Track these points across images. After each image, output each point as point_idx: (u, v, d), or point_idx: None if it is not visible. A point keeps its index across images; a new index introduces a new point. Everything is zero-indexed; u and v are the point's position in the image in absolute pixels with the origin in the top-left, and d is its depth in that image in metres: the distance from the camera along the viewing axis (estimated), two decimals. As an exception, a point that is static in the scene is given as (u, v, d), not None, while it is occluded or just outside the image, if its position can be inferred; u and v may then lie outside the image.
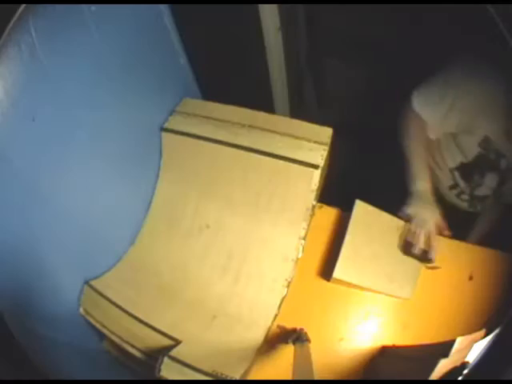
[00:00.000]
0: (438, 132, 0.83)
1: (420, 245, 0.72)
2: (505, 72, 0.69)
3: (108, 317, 0.67)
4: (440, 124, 0.80)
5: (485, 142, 0.79)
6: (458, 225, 0.81)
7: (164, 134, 0.79)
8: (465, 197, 0.92)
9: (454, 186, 0.92)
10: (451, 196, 0.94)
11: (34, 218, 0.56)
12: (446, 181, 0.93)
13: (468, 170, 0.87)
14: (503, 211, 0.89)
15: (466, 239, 0.90)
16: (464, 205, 0.93)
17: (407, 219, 0.75)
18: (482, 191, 0.88)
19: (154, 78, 0.76)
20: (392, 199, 0.81)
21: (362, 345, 0.67)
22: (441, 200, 0.95)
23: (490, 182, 0.85)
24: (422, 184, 0.80)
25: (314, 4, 1.09)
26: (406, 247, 0.71)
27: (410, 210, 0.76)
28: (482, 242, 0.80)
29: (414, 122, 0.82)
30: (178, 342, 0.62)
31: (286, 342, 0.63)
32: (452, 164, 0.89)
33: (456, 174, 0.90)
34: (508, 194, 0.87)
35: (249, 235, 0.72)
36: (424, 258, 0.70)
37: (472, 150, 0.81)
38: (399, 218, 0.74)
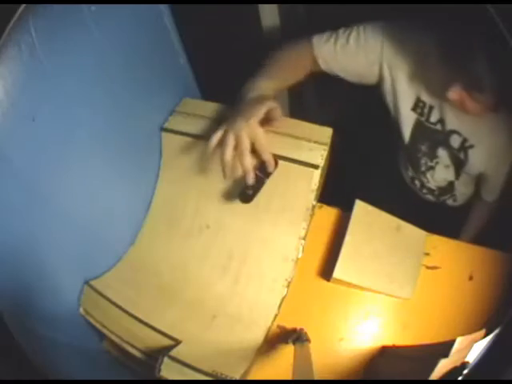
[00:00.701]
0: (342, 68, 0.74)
1: (227, 154, 0.57)
2: (437, 26, 0.61)
3: (108, 317, 0.67)
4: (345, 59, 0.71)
5: (418, 105, 0.70)
6: (448, 222, 0.78)
7: (164, 134, 0.79)
8: (417, 183, 0.85)
9: (413, 178, 0.86)
10: (417, 190, 0.88)
11: (34, 217, 0.56)
12: (405, 174, 0.87)
13: (412, 153, 0.79)
14: (496, 209, 0.84)
15: (459, 238, 0.89)
16: (433, 199, 0.87)
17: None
18: (435, 177, 0.80)
19: (153, 78, 0.76)
20: (392, 199, 0.81)
21: (362, 345, 0.67)
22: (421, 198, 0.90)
23: (444, 160, 0.76)
24: (262, 83, 0.67)
25: (314, 4, 1.09)
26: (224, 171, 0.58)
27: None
28: (477, 241, 0.79)
29: (301, 50, 0.74)
30: (177, 342, 0.62)
31: (286, 342, 0.63)
32: (401, 157, 0.84)
33: (404, 155, 0.84)
34: (485, 189, 0.79)
35: (249, 235, 0.72)
36: (261, 175, 0.59)
37: (407, 117, 0.73)
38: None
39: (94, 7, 0.59)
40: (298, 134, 0.71)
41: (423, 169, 0.82)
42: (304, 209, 0.70)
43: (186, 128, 0.78)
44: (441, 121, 0.71)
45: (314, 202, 0.71)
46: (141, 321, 0.66)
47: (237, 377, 0.56)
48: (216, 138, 0.60)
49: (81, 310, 0.67)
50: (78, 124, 0.60)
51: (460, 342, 0.49)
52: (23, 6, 0.47)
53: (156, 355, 0.59)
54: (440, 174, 0.80)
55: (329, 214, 0.74)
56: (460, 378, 0.50)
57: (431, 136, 0.75)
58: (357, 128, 1.19)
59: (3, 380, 0.49)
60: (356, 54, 0.71)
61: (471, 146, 0.71)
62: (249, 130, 0.58)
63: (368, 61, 0.71)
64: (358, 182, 1.07)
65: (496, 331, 0.53)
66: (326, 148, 0.70)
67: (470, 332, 0.53)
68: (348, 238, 0.67)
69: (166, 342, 0.63)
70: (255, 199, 0.68)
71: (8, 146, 0.50)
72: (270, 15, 0.96)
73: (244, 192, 0.64)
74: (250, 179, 0.61)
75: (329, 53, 0.73)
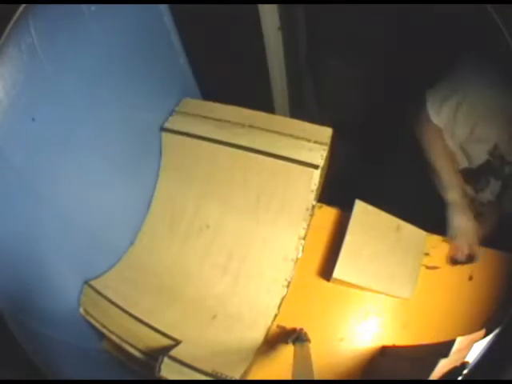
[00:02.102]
0: (451, 136, 0.82)
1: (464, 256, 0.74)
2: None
3: (108, 317, 0.67)
4: (451, 126, 0.79)
5: (494, 150, 0.80)
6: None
7: (164, 134, 0.79)
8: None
9: None
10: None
11: (34, 217, 0.56)
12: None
13: (472, 175, 0.87)
14: (501, 213, 0.89)
15: None
16: None
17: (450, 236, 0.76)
18: (484, 197, 0.88)
19: (153, 78, 0.76)
20: (392, 199, 0.81)
21: (362, 345, 0.67)
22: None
23: (493, 187, 0.85)
24: (454, 193, 0.79)
25: (314, 4, 1.09)
26: (453, 261, 0.73)
27: (452, 222, 0.75)
28: (483, 242, 0.80)
29: (431, 129, 0.82)
30: (177, 342, 0.62)
31: (286, 342, 0.63)
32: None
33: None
34: (508, 201, 0.87)
35: (249, 235, 0.72)
36: (469, 260, 0.72)
37: (480, 156, 0.82)
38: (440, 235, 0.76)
39: (93, 7, 0.59)
40: (298, 133, 0.72)
41: (477, 188, 0.89)
42: (304, 209, 0.70)
43: (186, 128, 0.78)
44: (501, 157, 0.81)
45: (314, 202, 0.71)
46: (141, 321, 0.66)
47: (237, 377, 0.56)
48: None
49: (81, 309, 0.67)
50: (78, 124, 0.60)
51: (460, 341, 0.49)
52: (23, 5, 0.46)
53: (156, 355, 0.58)
54: (487, 195, 0.88)
55: (329, 214, 0.74)
56: (460, 378, 0.50)
57: (490, 170, 0.84)
58: (357, 128, 1.19)
59: (3, 380, 0.49)
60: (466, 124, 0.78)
61: None
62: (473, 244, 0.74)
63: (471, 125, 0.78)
64: (358, 182, 1.07)
65: (496, 331, 0.53)
66: (326, 148, 0.70)
67: (469, 332, 0.53)
68: (348, 238, 0.67)
69: (166, 341, 0.63)
70: (255, 199, 0.69)
71: (8, 146, 0.49)
72: (270, 15, 0.96)
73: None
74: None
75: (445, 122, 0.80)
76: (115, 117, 0.68)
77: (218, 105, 0.81)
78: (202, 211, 0.75)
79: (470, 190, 0.90)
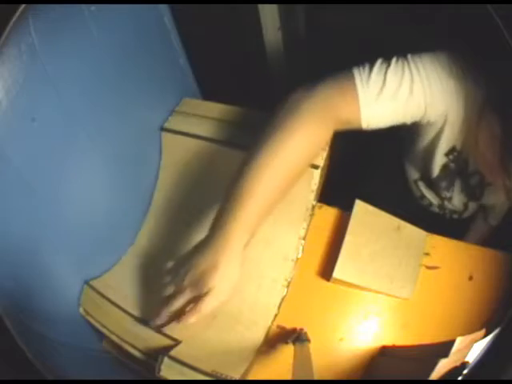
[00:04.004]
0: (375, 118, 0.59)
1: None
2: (490, 76, 0.56)
3: (108, 317, 0.67)
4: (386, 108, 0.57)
5: (452, 152, 0.68)
6: (448, 231, 0.77)
7: (164, 134, 0.79)
8: (435, 209, 0.86)
9: (422, 197, 0.86)
10: (425, 206, 0.88)
11: (34, 217, 0.56)
12: (414, 191, 0.87)
13: (434, 184, 0.78)
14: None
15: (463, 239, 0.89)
16: (441, 214, 0.89)
17: None
18: (453, 203, 0.81)
19: (153, 78, 0.76)
20: (392, 199, 0.81)
21: (362, 345, 0.67)
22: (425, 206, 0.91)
23: (459, 194, 0.77)
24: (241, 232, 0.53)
25: (314, 4, 1.09)
26: None
27: None
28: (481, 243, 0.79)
29: (329, 100, 0.56)
30: (177, 342, 0.62)
31: (286, 342, 0.63)
32: (414, 175, 0.82)
33: (420, 184, 0.83)
34: (491, 215, 0.84)
35: (249, 235, 0.72)
36: None
37: (438, 159, 0.71)
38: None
39: (93, 7, 0.59)
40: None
41: (443, 196, 0.82)
42: (304, 209, 0.70)
43: (186, 128, 0.78)
44: (465, 162, 0.70)
45: (314, 202, 0.71)
46: (141, 321, 0.66)
47: (237, 377, 0.56)
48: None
49: (81, 309, 0.67)
50: (78, 124, 0.60)
51: (460, 341, 0.49)
52: (23, 5, 0.47)
53: (156, 355, 0.59)
54: (456, 202, 0.81)
55: (329, 214, 0.74)
56: (460, 378, 0.50)
57: (453, 176, 0.74)
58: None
59: (3, 380, 0.49)
60: (413, 105, 0.58)
61: (489, 184, 0.72)
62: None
63: (421, 113, 0.60)
64: (358, 182, 1.07)
65: (496, 331, 0.53)
66: (326, 148, 0.70)
67: (469, 332, 0.53)
68: (348, 238, 0.67)
69: (166, 341, 0.63)
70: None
71: (8, 146, 0.50)
72: (270, 15, 0.96)
73: None
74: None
75: (382, 108, 0.57)
76: (115, 117, 0.68)
77: (218, 105, 0.81)
78: (202, 211, 0.75)
79: (432, 197, 0.83)
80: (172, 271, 0.60)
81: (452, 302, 0.68)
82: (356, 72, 0.57)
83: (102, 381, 0.67)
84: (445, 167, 0.72)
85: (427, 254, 0.70)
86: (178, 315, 0.56)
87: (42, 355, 0.57)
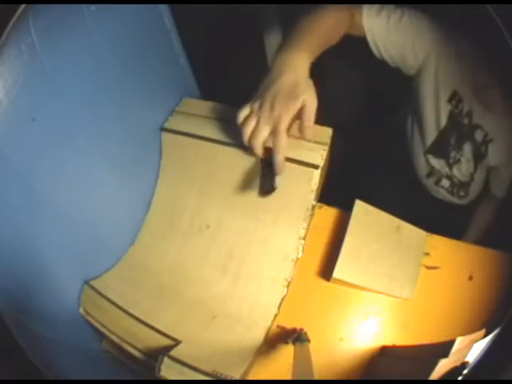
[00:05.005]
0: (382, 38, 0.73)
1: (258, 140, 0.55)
2: (472, 25, 0.65)
3: (108, 317, 0.67)
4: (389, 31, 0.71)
5: (454, 97, 0.74)
6: (450, 222, 0.79)
7: (164, 134, 0.79)
8: (444, 183, 0.88)
9: (431, 173, 0.89)
10: (431, 186, 0.91)
11: (33, 217, 0.56)
12: (422, 169, 0.90)
13: (442, 145, 0.82)
14: (499, 208, 0.87)
15: (463, 237, 0.89)
16: (447, 195, 0.90)
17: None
18: (461, 170, 0.84)
19: (153, 78, 0.76)
20: (392, 199, 0.81)
21: (362, 345, 0.67)
22: (429, 196, 0.93)
23: (467, 154, 0.81)
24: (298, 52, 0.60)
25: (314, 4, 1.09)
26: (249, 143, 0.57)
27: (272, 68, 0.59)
28: (481, 240, 0.80)
29: (344, 9, 0.70)
30: (177, 342, 0.62)
31: (286, 342, 0.63)
32: (423, 147, 0.86)
33: (430, 157, 0.86)
34: (496, 187, 0.84)
35: (249, 235, 0.72)
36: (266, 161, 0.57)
37: (443, 107, 0.77)
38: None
39: (93, 7, 0.59)
40: (298, 133, 0.71)
41: (451, 161, 0.84)
42: (304, 209, 0.70)
43: (185, 128, 0.78)
44: (468, 115, 0.74)
45: (314, 202, 0.71)
46: (140, 321, 0.66)
47: (237, 377, 0.56)
48: (242, 117, 0.61)
49: (80, 309, 0.67)
50: (78, 124, 0.60)
51: (460, 341, 0.49)
52: (23, 5, 0.47)
53: (156, 355, 0.58)
54: (464, 166, 0.83)
55: (329, 214, 0.74)
56: (460, 378, 0.50)
57: (459, 129, 0.78)
58: (357, 128, 1.19)
59: (3, 380, 0.49)
60: (406, 34, 0.72)
61: (491, 140, 0.75)
62: (273, 134, 0.57)
63: (415, 45, 0.73)
64: (358, 182, 1.07)
65: (496, 331, 0.53)
66: (326, 148, 0.70)
67: (470, 332, 0.53)
68: (348, 238, 0.67)
69: (166, 341, 0.63)
70: (255, 199, 0.68)
71: (8, 146, 0.50)
72: (270, 15, 0.96)
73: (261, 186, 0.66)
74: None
75: (380, 25, 0.72)
76: (115, 116, 0.68)
77: (218, 105, 0.81)
78: (201, 211, 0.75)
79: (441, 166, 0.85)
80: (257, 102, 0.59)
81: (452, 302, 0.68)
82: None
83: (102, 381, 0.67)
84: (450, 115, 0.77)
85: (427, 254, 0.70)
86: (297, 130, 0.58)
87: (42, 355, 0.57)
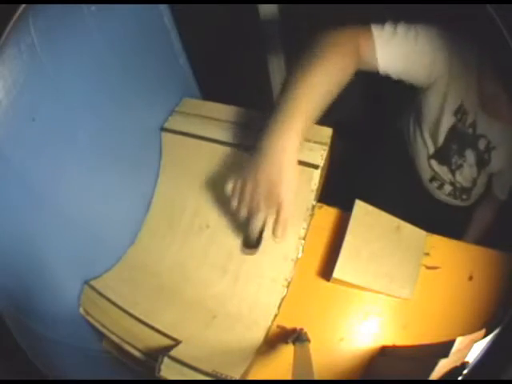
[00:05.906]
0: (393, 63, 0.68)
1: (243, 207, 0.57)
2: (477, 36, 0.64)
3: (108, 317, 0.67)
4: (402, 55, 0.67)
5: (460, 111, 0.74)
6: (450, 222, 0.79)
7: (164, 134, 0.79)
8: (447, 188, 0.88)
9: (434, 178, 0.89)
10: (433, 190, 0.91)
11: (33, 217, 0.56)
12: (425, 173, 0.91)
13: (445, 152, 0.82)
14: (499, 209, 0.87)
15: (463, 237, 0.90)
16: (449, 198, 0.91)
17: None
18: (464, 175, 0.84)
19: (153, 78, 0.76)
20: (392, 199, 0.81)
21: (362, 345, 0.67)
22: (429, 197, 0.93)
23: (470, 160, 0.81)
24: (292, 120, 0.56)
25: (315, 4, 1.09)
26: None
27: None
28: (481, 240, 0.80)
29: (351, 38, 0.65)
30: (177, 342, 0.62)
31: (286, 342, 0.63)
32: (426, 152, 0.86)
33: (433, 162, 0.86)
34: (498, 186, 0.84)
35: (249, 235, 0.72)
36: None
37: (447, 120, 0.76)
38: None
39: (93, 7, 0.59)
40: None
41: (454, 167, 0.85)
42: (304, 209, 0.70)
43: (185, 128, 0.78)
44: (472, 125, 0.75)
45: (314, 202, 0.71)
46: (140, 321, 0.66)
47: (237, 377, 0.56)
48: (228, 189, 0.63)
49: (80, 309, 0.67)
50: (78, 124, 0.60)
51: (460, 341, 0.49)
52: (23, 5, 0.47)
53: (156, 355, 0.58)
54: (467, 172, 0.84)
55: (329, 214, 0.74)
56: (460, 378, 0.50)
57: (462, 138, 0.79)
58: (357, 128, 1.19)
59: (3, 380, 0.49)
60: (422, 58, 0.68)
61: (494, 148, 0.76)
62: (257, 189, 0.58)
63: (431, 67, 0.70)
64: (358, 182, 1.07)
65: (496, 331, 0.53)
66: (326, 148, 0.70)
67: (470, 332, 0.53)
68: (348, 238, 0.67)
69: (166, 341, 0.63)
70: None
71: (8, 146, 0.50)
72: (270, 15, 0.96)
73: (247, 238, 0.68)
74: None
75: (395, 51, 0.67)
76: (115, 117, 0.68)
77: (217, 105, 0.81)
78: (201, 211, 0.75)
79: (443, 172, 0.86)
80: (235, 193, 0.60)
81: (452, 302, 0.68)
82: (371, 25, 0.68)
83: (102, 381, 0.67)
84: (454, 126, 0.77)
85: (427, 254, 0.70)
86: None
87: (42, 355, 0.57)
